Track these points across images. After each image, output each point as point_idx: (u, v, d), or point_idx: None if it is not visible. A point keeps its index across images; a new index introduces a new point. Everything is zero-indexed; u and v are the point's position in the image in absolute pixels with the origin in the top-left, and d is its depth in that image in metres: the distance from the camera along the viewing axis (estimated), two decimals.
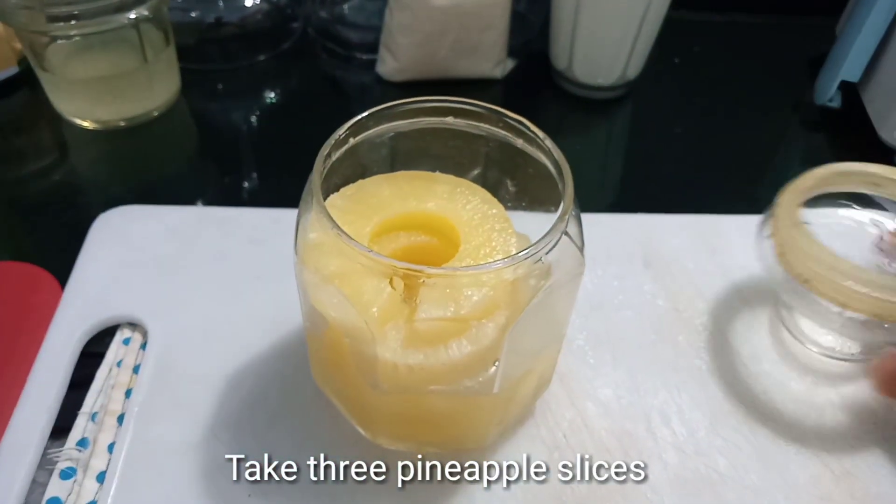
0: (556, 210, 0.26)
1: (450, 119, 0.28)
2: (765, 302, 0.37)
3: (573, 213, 0.25)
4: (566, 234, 0.24)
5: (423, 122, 0.28)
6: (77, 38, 0.46)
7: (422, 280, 0.23)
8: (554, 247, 0.24)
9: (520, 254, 0.23)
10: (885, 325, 0.30)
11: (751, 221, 0.41)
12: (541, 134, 0.26)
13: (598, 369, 0.34)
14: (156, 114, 0.49)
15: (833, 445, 0.32)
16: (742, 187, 0.48)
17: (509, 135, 0.27)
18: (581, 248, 0.26)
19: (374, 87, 0.54)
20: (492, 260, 0.26)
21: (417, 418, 0.28)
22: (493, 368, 0.26)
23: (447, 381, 0.26)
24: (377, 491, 0.29)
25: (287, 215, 0.27)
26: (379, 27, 0.52)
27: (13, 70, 0.51)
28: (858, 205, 0.35)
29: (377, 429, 0.29)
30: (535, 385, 0.30)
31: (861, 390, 0.34)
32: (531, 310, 0.24)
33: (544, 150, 0.26)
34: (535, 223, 0.27)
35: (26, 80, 0.51)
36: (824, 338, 0.35)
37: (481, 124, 0.28)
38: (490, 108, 0.27)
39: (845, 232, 0.36)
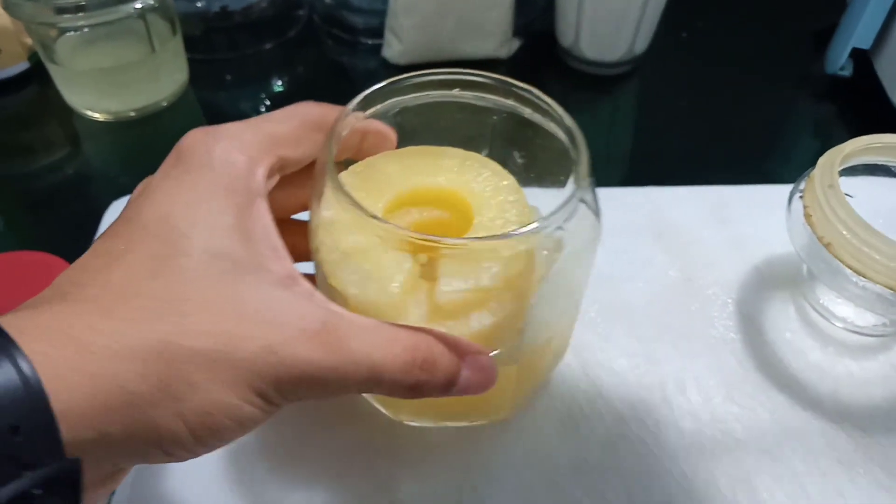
0: (565, 182, 0.26)
1: (456, 91, 0.27)
2: (778, 271, 0.37)
3: (588, 179, 0.24)
4: (583, 201, 0.24)
5: (430, 95, 0.27)
6: (85, 30, 0.46)
7: (442, 252, 0.23)
8: (573, 214, 0.23)
9: (539, 222, 0.22)
10: None
11: (760, 192, 0.41)
12: (551, 102, 0.26)
13: (612, 340, 0.34)
14: (165, 104, 0.50)
15: (852, 411, 0.32)
16: (752, 160, 0.48)
17: (517, 104, 0.27)
18: (597, 214, 0.26)
19: (381, 72, 0.54)
20: (508, 230, 0.26)
21: None
22: (515, 339, 0.26)
23: None
24: (377, 489, 0.29)
25: None
26: (383, 11, 0.52)
27: (24, 65, 0.51)
28: None
29: (399, 404, 0.29)
30: (553, 355, 0.30)
31: (884, 365, 0.33)
32: (551, 278, 0.24)
33: (555, 118, 0.26)
34: (543, 196, 0.27)
35: (37, 75, 0.51)
36: (842, 308, 0.35)
37: (488, 95, 0.27)
38: (497, 79, 0.27)
39: (891, 207, 0.34)
